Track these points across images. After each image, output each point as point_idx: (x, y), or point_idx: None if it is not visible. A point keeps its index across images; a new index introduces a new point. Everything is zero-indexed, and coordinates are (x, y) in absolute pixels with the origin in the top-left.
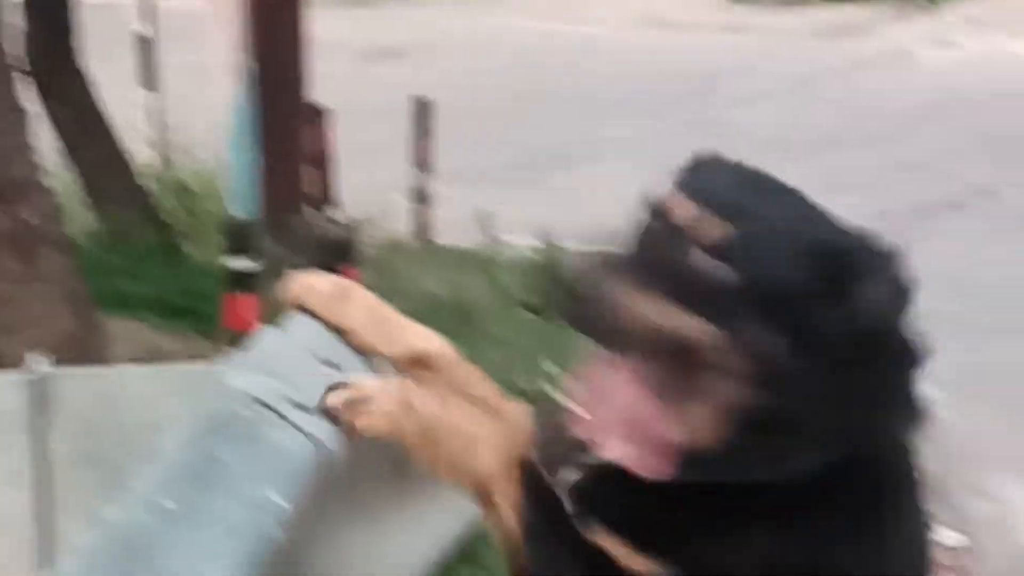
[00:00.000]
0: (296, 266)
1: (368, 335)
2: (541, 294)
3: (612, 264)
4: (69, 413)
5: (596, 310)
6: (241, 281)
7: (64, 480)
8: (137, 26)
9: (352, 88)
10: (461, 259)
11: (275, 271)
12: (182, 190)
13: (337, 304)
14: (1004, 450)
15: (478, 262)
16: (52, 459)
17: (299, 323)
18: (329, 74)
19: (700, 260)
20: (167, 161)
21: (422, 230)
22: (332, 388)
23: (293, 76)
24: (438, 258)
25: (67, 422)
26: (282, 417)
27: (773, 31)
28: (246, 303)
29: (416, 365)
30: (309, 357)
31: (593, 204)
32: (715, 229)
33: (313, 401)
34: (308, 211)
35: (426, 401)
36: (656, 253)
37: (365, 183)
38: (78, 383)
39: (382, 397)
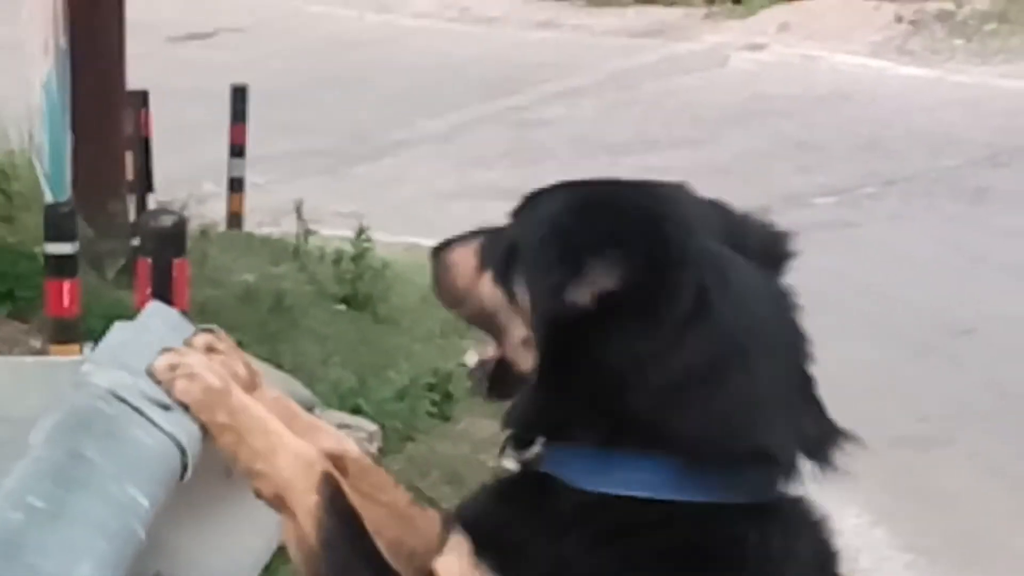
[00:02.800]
0: (115, 253)
1: None
2: (352, 285)
3: None
4: None
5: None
6: (61, 266)
7: None
8: None
9: (161, 70)
10: (273, 248)
11: (94, 257)
12: None
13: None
14: None
15: (290, 252)
16: None
17: (152, 316)
18: (137, 55)
19: None
20: None
21: (234, 218)
22: (163, 352)
23: (113, 56)
24: (250, 247)
25: None
26: (142, 414)
27: (586, 29)
28: (67, 288)
29: None
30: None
31: (400, 195)
32: None
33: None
34: (132, 197)
35: (244, 396)
36: None
37: (176, 168)
38: None
39: (206, 371)
